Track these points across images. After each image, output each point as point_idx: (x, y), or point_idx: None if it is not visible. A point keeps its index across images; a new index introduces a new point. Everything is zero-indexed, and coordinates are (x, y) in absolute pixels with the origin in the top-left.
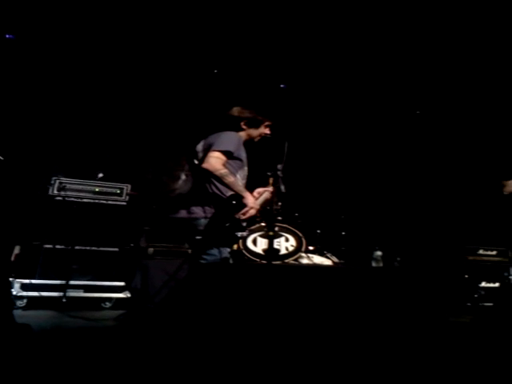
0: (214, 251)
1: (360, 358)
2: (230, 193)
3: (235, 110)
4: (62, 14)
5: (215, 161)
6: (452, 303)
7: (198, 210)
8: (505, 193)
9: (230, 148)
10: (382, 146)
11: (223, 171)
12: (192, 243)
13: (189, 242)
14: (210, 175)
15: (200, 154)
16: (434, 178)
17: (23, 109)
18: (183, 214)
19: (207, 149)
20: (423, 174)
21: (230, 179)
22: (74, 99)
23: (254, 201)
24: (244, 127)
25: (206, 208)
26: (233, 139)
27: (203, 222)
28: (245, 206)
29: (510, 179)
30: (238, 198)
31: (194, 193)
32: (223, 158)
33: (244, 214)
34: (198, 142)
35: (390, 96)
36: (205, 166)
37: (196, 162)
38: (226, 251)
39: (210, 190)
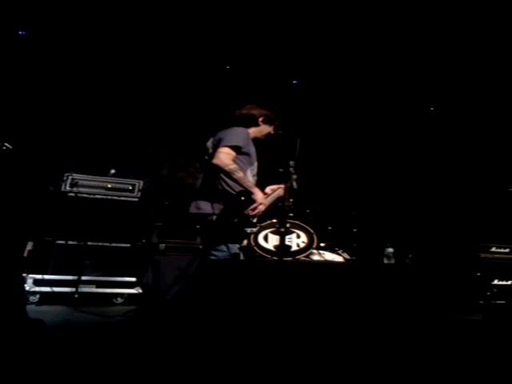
0: (223, 247)
1: (372, 355)
2: (239, 189)
3: (252, 108)
4: (72, 11)
5: (224, 156)
6: (464, 301)
7: (206, 206)
8: None
9: (239, 143)
10: (395, 142)
11: (232, 166)
12: (202, 238)
13: (200, 236)
14: (220, 171)
15: (210, 150)
16: (447, 174)
17: (37, 105)
18: (193, 208)
19: (216, 145)
20: (436, 171)
21: (239, 175)
22: (87, 95)
23: (262, 197)
24: (261, 124)
25: (215, 204)
26: (241, 134)
27: (211, 217)
28: (253, 202)
29: None
30: (247, 193)
31: (204, 188)
32: (232, 153)
33: (253, 209)
34: (208, 139)
35: (404, 92)
36: (214, 161)
37: (206, 157)
38: (235, 247)
39: (220, 187)
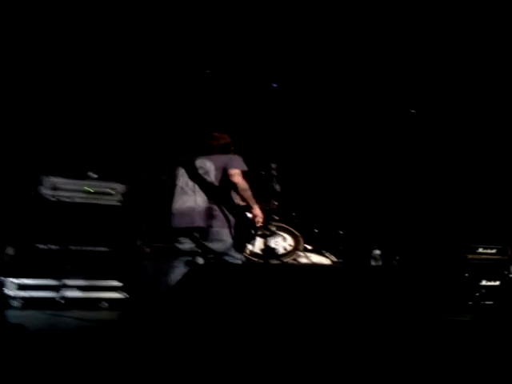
0: (237, 255)
1: (358, 357)
2: (241, 204)
3: (225, 137)
4: (53, 9)
5: (241, 178)
6: (452, 302)
7: (218, 222)
8: None
9: (245, 168)
10: (380, 144)
11: (247, 187)
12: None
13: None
14: (237, 189)
15: (213, 172)
16: (433, 176)
17: (14, 107)
18: (199, 222)
19: (221, 168)
20: (422, 173)
21: (250, 193)
22: (67, 98)
23: (260, 211)
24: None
25: (219, 217)
26: (242, 161)
27: (218, 230)
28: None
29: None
30: (248, 209)
31: (200, 202)
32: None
33: (257, 221)
34: (191, 153)
35: (388, 94)
36: (236, 180)
37: (208, 178)
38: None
39: (231, 202)
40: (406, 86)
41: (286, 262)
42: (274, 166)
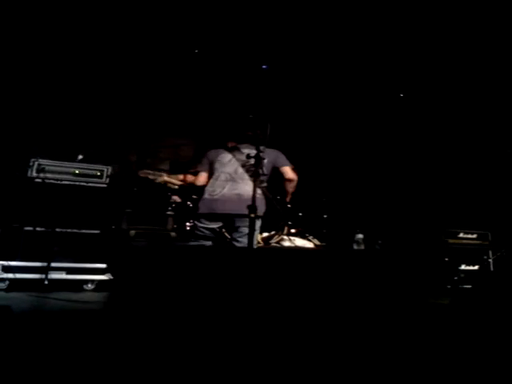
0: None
1: (340, 340)
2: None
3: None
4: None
5: (294, 174)
6: (432, 285)
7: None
8: None
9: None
10: (363, 128)
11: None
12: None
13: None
14: (290, 184)
15: (265, 165)
16: (414, 161)
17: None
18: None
19: (272, 162)
20: (404, 157)
21: None
22: (54, 81)
23: None
24: None
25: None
26: None
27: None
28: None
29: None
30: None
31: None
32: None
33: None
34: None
35: (371, 79)
36: (292, 176)
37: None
38: None
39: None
40: (390, 71)
41: (270, 246)
42: (262, 148)
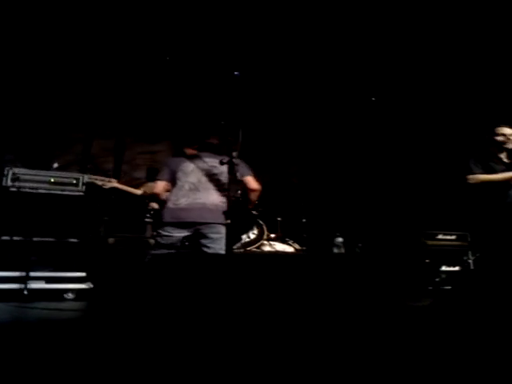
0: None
1: (320, 344)
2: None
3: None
4: None
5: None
6: (413, 287)
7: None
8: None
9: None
10: (341, 132)
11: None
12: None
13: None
14: (252, 193)
15: (225, 174)
16: (393, 164)
17: None
18: (208, 219)
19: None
20: (382, 161)
21: None
22: (28, 88)
23: None
24: None
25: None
26: None
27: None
28: None
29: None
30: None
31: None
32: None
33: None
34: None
35: (348, 82)
36: (255, 186)
37: (222, 178)
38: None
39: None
40: (366, 73)
41: (250, 251)
42: (235, 154)
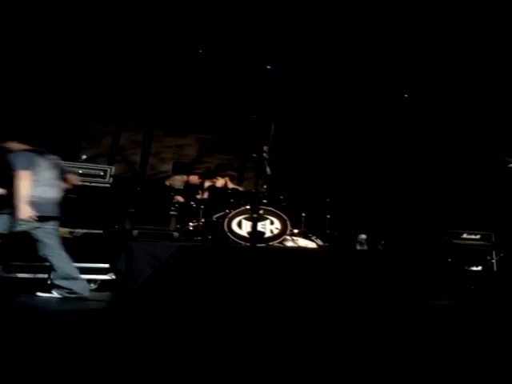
0: None
1: (342, 339)
2: None
3: None
4: None
5: None
6: (435, 286)
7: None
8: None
9: None
10: (368, 130)
11: None
12: None
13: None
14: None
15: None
16: (418, 161)
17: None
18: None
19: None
20: (408, 158)
21: None
22: (56, 80)
23: None
24: None
25: None
26: None
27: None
28: None
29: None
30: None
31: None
32: None
33: None
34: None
35: (377, 79)
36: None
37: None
38: None
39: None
40: (396, 70)
41: (273, 246)
42: (265, 148)
